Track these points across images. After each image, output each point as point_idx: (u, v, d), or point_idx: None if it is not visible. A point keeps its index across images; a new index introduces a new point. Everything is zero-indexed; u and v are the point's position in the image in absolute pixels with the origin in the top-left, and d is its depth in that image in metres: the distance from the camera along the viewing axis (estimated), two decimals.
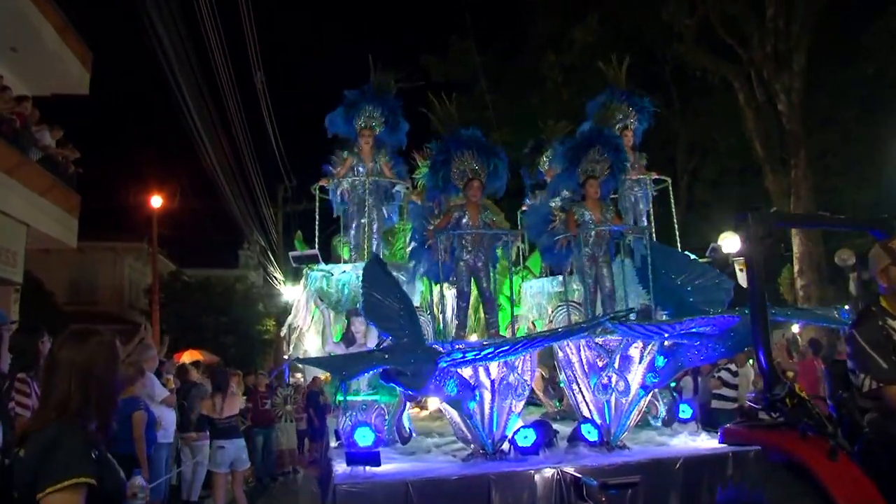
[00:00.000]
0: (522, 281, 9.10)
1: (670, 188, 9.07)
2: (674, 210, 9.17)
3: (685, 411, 7.55)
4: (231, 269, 31.73)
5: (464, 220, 6.88)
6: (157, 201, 19.57)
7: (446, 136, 7.16)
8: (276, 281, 25.90)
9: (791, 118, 16.88)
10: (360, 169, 8.16)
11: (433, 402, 9.20)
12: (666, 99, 21.70)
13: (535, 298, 8.86)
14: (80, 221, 15.55)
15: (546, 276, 9.05)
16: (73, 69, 15.16)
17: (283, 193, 28.32)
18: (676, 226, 8.98)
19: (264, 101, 20.99)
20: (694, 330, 6.21)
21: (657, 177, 9.02)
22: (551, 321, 7.77)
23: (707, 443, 6.63)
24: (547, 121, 9.62)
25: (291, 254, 8.08)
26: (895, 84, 16.17)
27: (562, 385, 7.61)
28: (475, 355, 5.66)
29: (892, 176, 15.41)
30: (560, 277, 8.55)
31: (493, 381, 6.14)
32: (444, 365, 5.63)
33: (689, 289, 7.17)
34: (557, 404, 9.04)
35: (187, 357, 15.12)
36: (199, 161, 18.09)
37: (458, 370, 5.89)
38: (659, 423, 7.64)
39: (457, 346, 5.90)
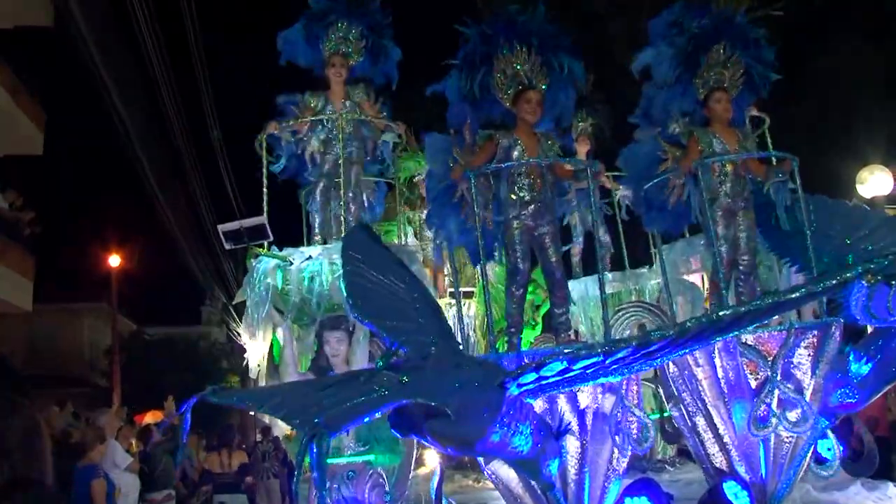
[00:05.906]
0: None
1: (767, 133, 6.52)
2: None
3: (830, 448, 4.89)
4: (193, 326, 31.22)
5: (514, 154, 4.51)
6: (115, 260, 19.30)
7: (487, 20, 4.80)
8: (239, 336, 25.51)
9: None
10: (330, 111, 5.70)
11: (433, 456, 6.33)
12: None
13: (575, 306, 6.31)
14: (37, 283, 15.20)
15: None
16: (26, 130, 14.92)
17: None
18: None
19: (222, 157, 20.86)
20: None
21: (756, 114, 6.32)
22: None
23: None
24: None
25: (221, 227, 5.42)
26: (840, 120, 16.67)
27: (666, 414, 5.14)
28: (588, 367, 2.86)
29: None
30: (610, 275, 6.58)
31: (582, 418, 3.77)
32: (517, 392, 3.07)
33: (869, 248, 4.73)
34: None
35: (150, 418, 14.65)
36: (156, 218, 17.99)
37: (532, 404, 3.43)
38: (833, 470, 4.72)
39: (547, 353, 3.45)
